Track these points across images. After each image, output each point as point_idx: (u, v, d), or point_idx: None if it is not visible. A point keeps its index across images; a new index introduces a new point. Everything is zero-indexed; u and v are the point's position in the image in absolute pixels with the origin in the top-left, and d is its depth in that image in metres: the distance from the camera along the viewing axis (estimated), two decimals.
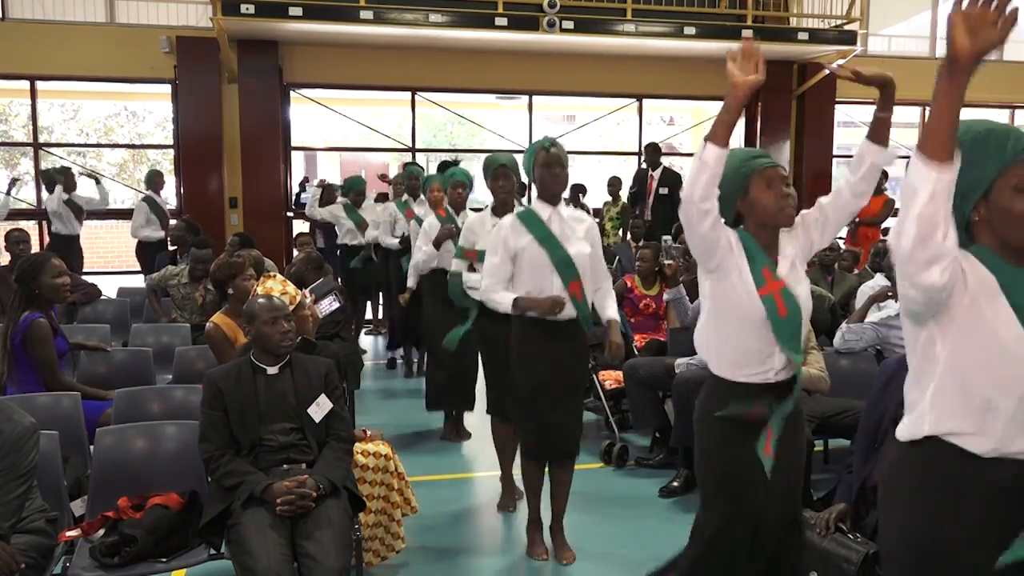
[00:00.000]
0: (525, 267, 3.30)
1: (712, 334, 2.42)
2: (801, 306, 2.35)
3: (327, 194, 7.88)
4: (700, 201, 2.14)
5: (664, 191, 8.86)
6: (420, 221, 5.36)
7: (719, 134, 2.11)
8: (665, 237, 7.44)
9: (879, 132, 2.45)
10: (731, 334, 2.36)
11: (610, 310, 3.48)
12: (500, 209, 3.86)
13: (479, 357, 4.23)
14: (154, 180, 8.08)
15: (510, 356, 3.43)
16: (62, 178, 7.87)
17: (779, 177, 2.36)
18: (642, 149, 9.50)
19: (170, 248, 7.18)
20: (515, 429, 3.80)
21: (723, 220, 2.26)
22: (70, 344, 3.94)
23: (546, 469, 3.53)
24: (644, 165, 9.16)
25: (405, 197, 6.54)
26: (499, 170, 3.88)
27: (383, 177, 8.07)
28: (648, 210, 8.92)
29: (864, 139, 2.44)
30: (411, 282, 5.35)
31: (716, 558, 2.40)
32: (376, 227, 6.96)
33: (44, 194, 8.35)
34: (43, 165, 9.80)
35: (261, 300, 2.97)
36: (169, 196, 9.16)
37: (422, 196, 6.06)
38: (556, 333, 3.29)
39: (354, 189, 7.52)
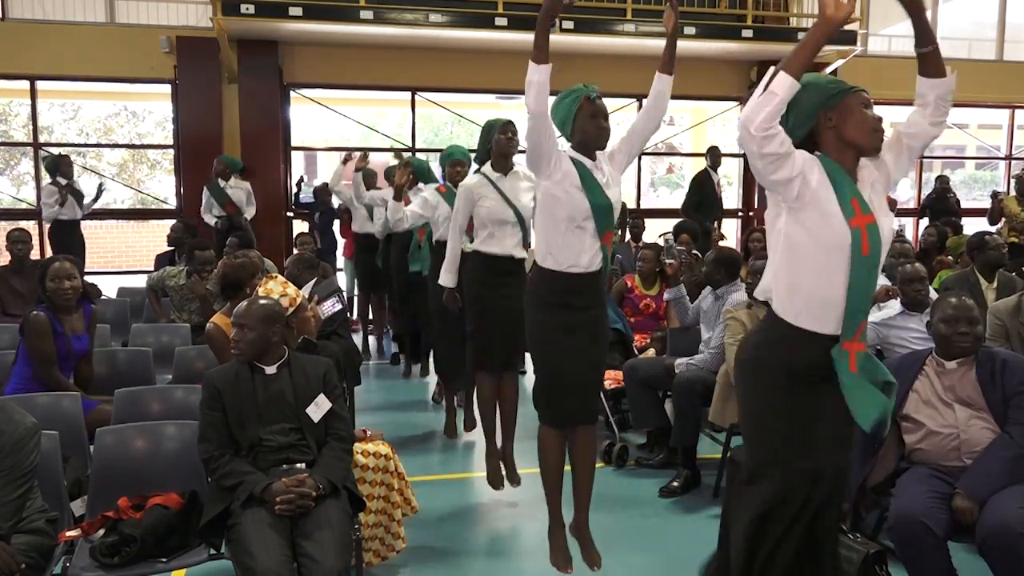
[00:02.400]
0: (559, 213, 3.02)
1: (783, 275, 2.26)
2: (883, 244, 2.21)
3: (368, 178, 7.55)
4: (762, 126, 2.05)
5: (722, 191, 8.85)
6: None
7: (795, 65, 2.05)
8: (666, 236, 7.44)
9: (928, 67, 2.36)
10: (806, 277, 2.20)
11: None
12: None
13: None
14: (217, 167, 7.98)
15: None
16: (67, 167, 7.89)
17: (871, 103, 2.26)
18: (705, 152, 9.29)
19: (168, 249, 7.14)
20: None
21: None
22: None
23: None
24: (707, 166, 8.95)
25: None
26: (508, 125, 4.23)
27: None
28: (718, 211, 8.83)
29: (919, 77, 2.37)
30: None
31: (776, 527, 2.26)
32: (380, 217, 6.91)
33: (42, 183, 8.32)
34: (43, 165, 9.80)
35: (240, 304, 3.00)
36: (169, 196, 9.15)
37: (419, 185, 5.92)
38: (574, 299, 3.08)
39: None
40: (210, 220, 7.82)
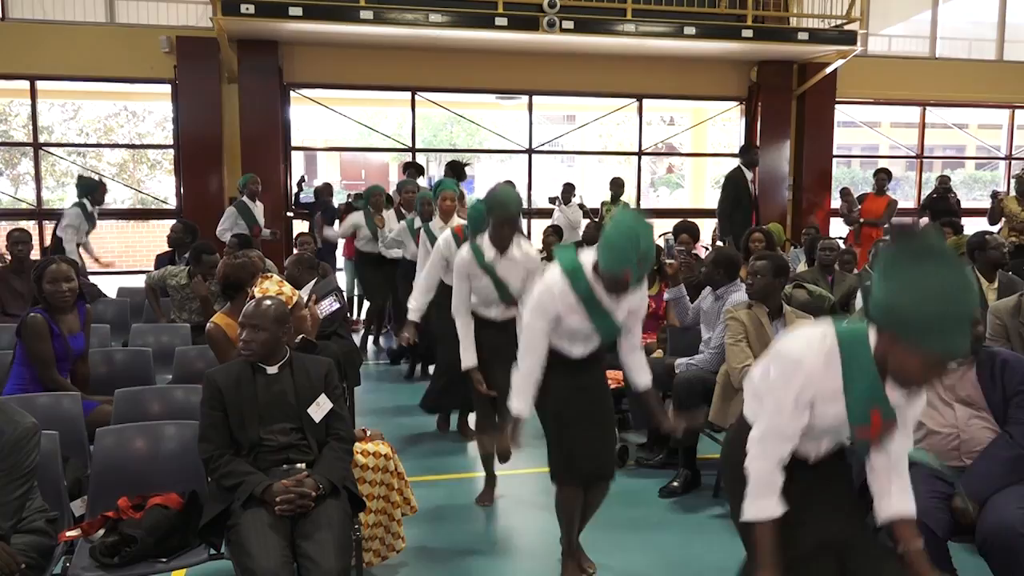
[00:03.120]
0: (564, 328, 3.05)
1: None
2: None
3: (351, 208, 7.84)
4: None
5: (756, 192, 8.76)
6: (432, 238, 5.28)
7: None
8: (666, 236, 7.43)
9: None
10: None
11: (643, 376, 3.18)
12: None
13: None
14: (250, 186, 7.77)
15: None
16: (101, 195, 7.60)
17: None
18: (739, 150, 9.04)
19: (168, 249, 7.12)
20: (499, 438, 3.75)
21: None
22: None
23: None
24: (740, 164, 8.66)
25: (417, 224, 6.02)
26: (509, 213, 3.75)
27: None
28: (754, 210, 8.67)
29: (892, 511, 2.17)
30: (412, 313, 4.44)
31: None
32: (384, 238, 6.93)
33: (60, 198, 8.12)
34: (43, 165, 9.80)
35: (249, 304, 2.99)
36: (169, 196, 9.15)
37: (435, 218, 5.75)
38: (576, 366, 3.17)
39: (372, 196, 7.44)
40: (225, 237, 7.45)
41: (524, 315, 3.09)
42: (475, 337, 3.95)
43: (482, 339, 3.96)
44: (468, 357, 3.91)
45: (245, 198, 7.67)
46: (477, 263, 3.83)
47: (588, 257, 2.96)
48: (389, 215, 7.16)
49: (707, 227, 9.11)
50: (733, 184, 8.54)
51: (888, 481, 2.18)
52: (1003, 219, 7.82)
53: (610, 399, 3.40)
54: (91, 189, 7.49)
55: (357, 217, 7.42)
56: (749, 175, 8.61)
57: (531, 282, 3.58)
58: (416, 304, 4.40)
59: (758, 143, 10.30)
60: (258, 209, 7.77)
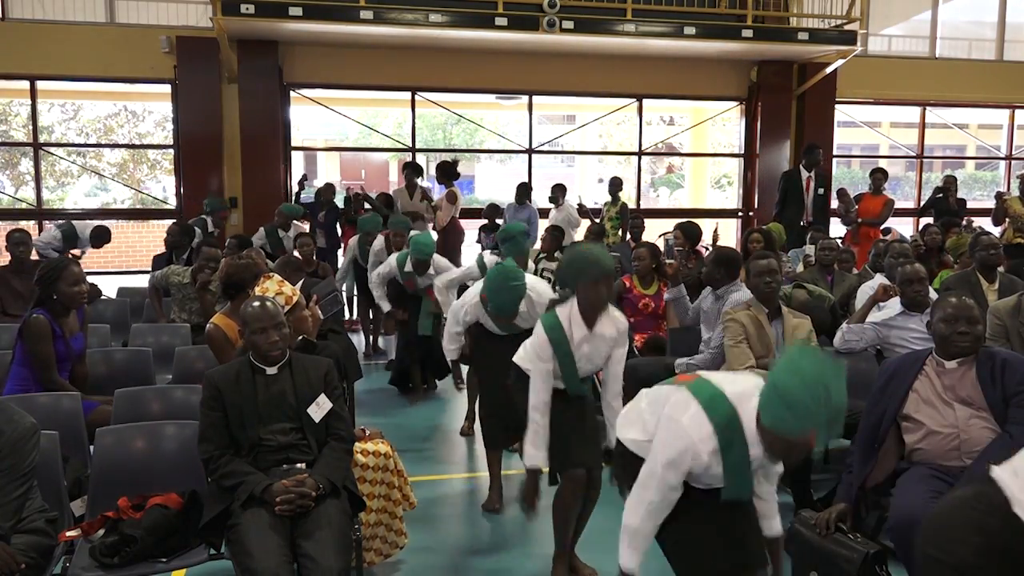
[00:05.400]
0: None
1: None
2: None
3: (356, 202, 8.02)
4: None
5: (821, 191, 8.84)
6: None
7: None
8: (666, 236, 7.43)
9: None
10: None
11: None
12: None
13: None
14: (280, 219, 7.86)
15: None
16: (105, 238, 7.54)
17: None
18: (801, 151, 9.14)
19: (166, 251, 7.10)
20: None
21: None
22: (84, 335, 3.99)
23: None
24: (802, 163, 8.89)
25: (408, 268, 5.85)
26: (604, 278, 3.16)
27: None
28: (808, 213, 8.77)
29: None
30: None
31: None
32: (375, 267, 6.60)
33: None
34: (43, 165, 9.79)
35: (254, 307, 2.95)
36: (169, 196, 9.14)
37: (431, 271, 5.77)
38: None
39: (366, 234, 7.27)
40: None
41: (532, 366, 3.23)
42: (483, 348, 4.02)
43: (489, 349, 3.97)
44: (538, 456, 3.23)
45: (277, 227, 7.79)
46: (554, 346, 3.15)
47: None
48: (378, 242, 6.83)
49: (707, 227, 9.12)
50: (786, 181, 8.87)
51: (765, 510, 2.55)
52: (1007, 219, 7.82)
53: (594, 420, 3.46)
54: (96, 239, 7.42)
55: (354, 244, 7.40)
56: (806, 174, 8.80)
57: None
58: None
59: (758, 143, 10.30)
60: (287, 240, 7.74)
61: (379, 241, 6.65)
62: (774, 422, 2.11)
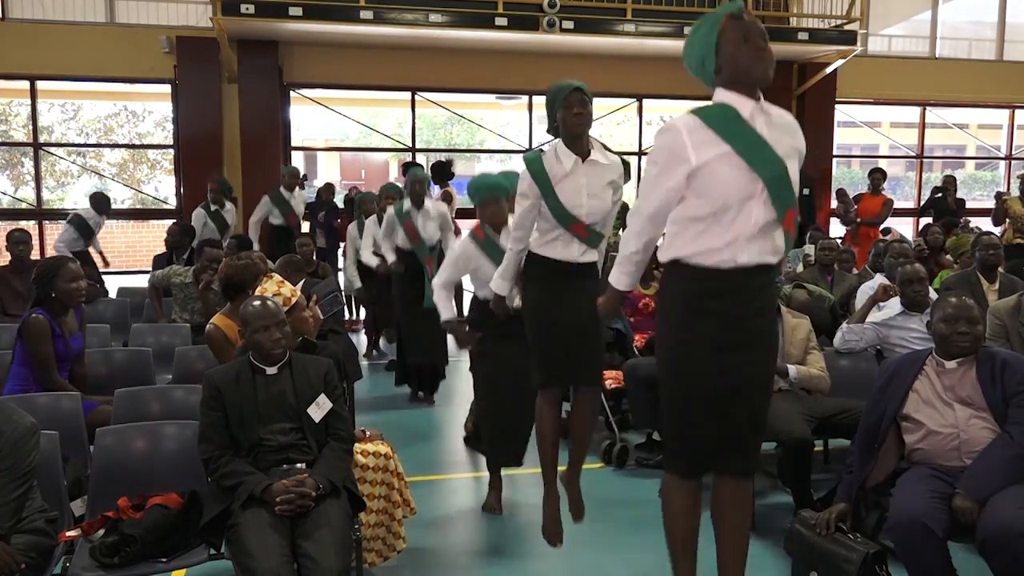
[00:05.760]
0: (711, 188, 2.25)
1: None
2: None
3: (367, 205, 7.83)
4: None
5: (806, 192, 8.94)
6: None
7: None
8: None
9: None
10: None
11: None
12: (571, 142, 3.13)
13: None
14: (288, 179, 7.94)
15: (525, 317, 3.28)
16: (106, 204, 7.79)
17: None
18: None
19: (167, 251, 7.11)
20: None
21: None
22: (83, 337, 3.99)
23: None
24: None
25: (407, 206, 5.87)
26: (573, 96, 3.09)
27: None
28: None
29: None
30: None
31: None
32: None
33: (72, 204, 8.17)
34: (43, 165, 9.80)
35: (256, 305, 2.96)
36: (169, 196, 9.15)
37: (428, 204, 5.88)
38: (571, 275, 3.15)
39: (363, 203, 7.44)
40: (254, 234, 7.61)
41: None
42: (484, 349, 3.76)
43: (490, 351, 3.74)
44: (502, 284, 3.34)
45: (283, 189, 7.82)
46: (535, 178, 3.08)
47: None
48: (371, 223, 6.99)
49: None
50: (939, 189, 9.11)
51: None
52: (1007, 220, 7.82)
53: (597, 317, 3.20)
54: (99, 206, 7.67)
55: (352, 229, 7.43)
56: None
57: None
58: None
59: None
60: (296, 200, 7.90)
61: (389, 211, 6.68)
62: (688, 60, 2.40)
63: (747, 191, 2.19)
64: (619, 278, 2.49)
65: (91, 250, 7.62)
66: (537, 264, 3.21)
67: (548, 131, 3.24)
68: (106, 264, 7.91)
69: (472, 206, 4.36)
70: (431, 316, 5.45)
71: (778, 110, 2.33)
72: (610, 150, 3.30)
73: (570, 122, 3.07)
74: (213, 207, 7.51)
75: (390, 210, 6.07)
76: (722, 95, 2.26)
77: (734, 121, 2.22)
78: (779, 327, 4.08)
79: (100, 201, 7.71)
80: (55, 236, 8.17)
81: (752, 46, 2.19)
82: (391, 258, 5.98)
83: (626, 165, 8.93)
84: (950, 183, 9.32)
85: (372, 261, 6.23)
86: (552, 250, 3.18)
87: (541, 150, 3.20)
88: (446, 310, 3.88)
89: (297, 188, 8.02)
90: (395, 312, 6.24)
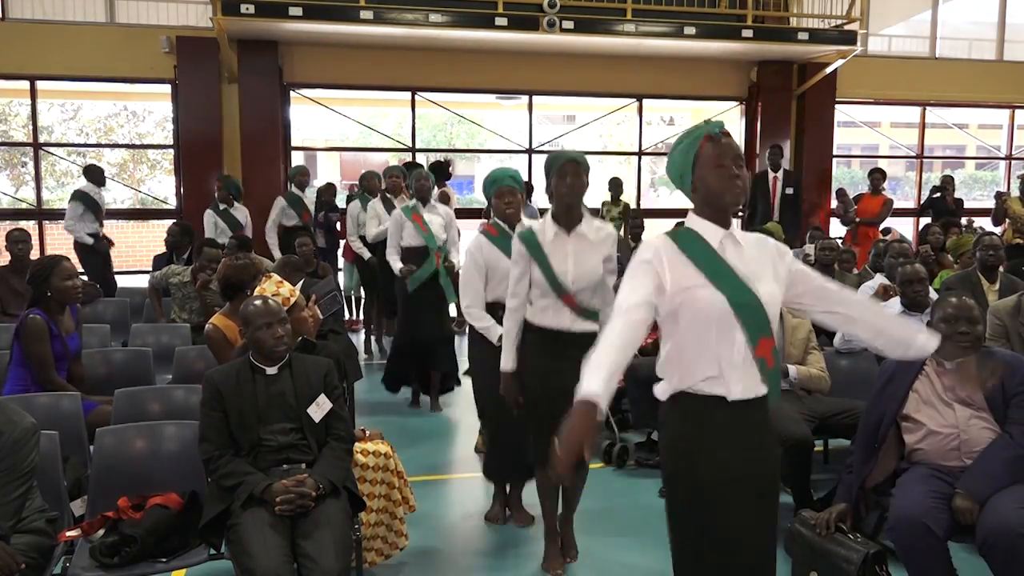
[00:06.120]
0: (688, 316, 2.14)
1: None
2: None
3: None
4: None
5: (790, 191, 9.07)
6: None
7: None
8: None
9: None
10: None
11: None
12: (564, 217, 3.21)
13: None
14: (298, 177, 8.02)
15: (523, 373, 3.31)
16: (98, 170, 8.04)
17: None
18: (766, 153, 9.48)
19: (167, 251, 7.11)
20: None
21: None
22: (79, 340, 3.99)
23: None
24: (768, 167, 9.29)
25: (413, 202, 5.92)
26: (567, 166, 3.15)
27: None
28: (775, 212, 9.01)
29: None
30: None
31: None
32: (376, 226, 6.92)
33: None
34: (43, 165, 9.80)
35: (256, 304, 2.96)
36: (169, 196, 9.15)
37: (432, 202, 5.91)
38: (565, 352, 3.11)
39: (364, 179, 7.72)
40: (272, 239, 7.71)
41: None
42: (489, 360, 3.55)
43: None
44: (508, 359, 3.34)
45: (294, 188, 7.89)
46: (526, 246, 3.17)
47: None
48: (375, 203, 7.08)
49: None
50: (754, 183, 9.14)
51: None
52: (1007, 220, 7.82)
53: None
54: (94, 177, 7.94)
55: (354, 207, 7.46)
56: (772, 175, 9.19)
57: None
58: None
59: (758, 143, 10.30)
60: (309, 198, 8.02)
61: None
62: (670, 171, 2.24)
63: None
64: None
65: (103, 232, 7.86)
66: (534, 333, 3.27)
67: (546, 192, 3.29)
68: (111, 244, 8.04)
69: (468, 207, 4.36)
70: (440, 310, 5.55)
71: (748, 236, 2.25)
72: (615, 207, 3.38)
73: (561, 191, 3.17)
74: (222, 206, 7.53)
75: (396, 211, 6.04)
76: (693, 221, 2.21)
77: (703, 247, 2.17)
78: (780, 328, 4.08)
79: (93, 172, 7.97)
80: (55, 235, 8.19)
81: (725, 172, 2.14)
82: (397, 265, 5.77)
83: (626, 207, 9.03)
84: (948, 183, 9.33)
85: (396, 264, 5.84)
86: (544, 318, 3.24)
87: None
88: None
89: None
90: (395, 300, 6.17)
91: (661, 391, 2.22)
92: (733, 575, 2.18)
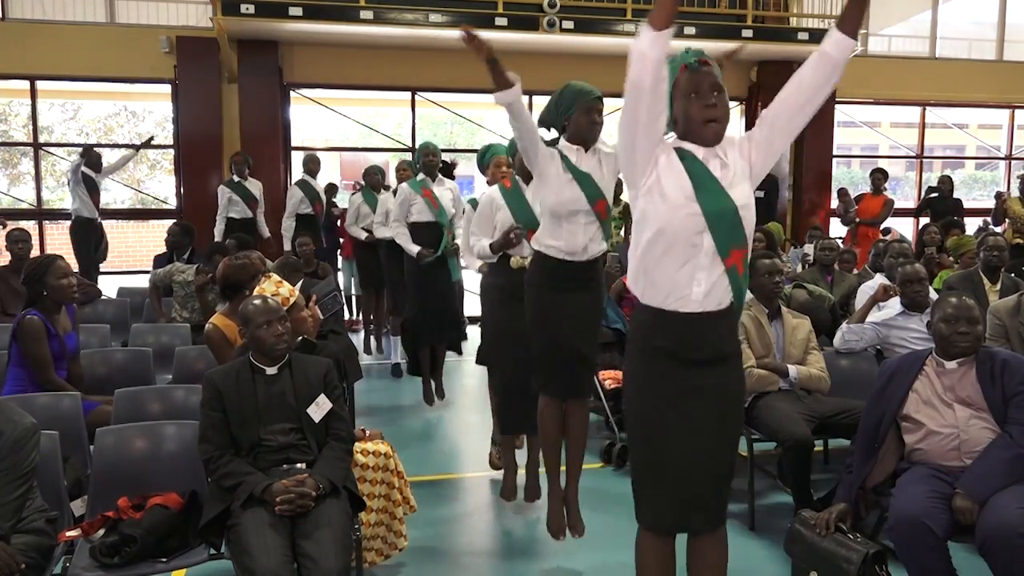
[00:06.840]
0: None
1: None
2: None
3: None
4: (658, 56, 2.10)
5: (760, 193, 9.00)
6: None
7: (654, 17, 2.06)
8: None
9: (850, 21, 2.25)
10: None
11: None
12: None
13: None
14: (310, 165, 8.05)
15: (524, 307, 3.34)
16: (95, 155, 8.14)
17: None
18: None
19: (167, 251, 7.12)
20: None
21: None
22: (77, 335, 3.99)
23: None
24: None
25: (421, 176, 5.85)
26: (597, 104, 3.35)
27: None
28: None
29: (836, 35, 2.29)
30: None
31: None
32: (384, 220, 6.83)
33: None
34: (43, 165, 9.81)
35: (256, 303, 2.96)
36: (169, 196, 9.15)
37: (440, 176, 5.89)
38: (572, 284, 3.21)
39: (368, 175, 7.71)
40: (289, 229, 7.68)
41: None
42: (500, 315, 3.69)
43: (504, 317, 3.62)
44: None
45: (305, 175, 7.90)
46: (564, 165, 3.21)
47: None
48: (385, 198, 7.07)
49: None
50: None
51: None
52: (1007, 220, 7.82)
53: (599, 317, 3.44)
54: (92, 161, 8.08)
55: (356, 199, 7.46)
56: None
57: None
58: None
59: None
60: (319, 185, 8.06)
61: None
62: None
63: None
64: None
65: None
66: (544, 260, 3.26)
67: (546, 124, 3.34)
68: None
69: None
70: (450, 290, 5.55)
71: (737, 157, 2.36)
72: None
73: (585, 128, 3.25)
74: (236, 179, 7.58)
75: (404, 185, 5.91)
76: (677, 144, 2.26)
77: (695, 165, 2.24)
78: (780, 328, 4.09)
79: (93, 157, 8.08)
80: (55, 235, 8.21)
81: (702, 100, 2.21)
82: (412, 248, 5.58)
83: (626, 207, 9.01)
84: (946, 183, 9.33)
85: (411, 247, 5.65)
86: (558, 239, 3.22)
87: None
88: (484, 249, 3.71)
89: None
90: (402, 295, 6.13)
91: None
92: (689, 485, 2.25)
